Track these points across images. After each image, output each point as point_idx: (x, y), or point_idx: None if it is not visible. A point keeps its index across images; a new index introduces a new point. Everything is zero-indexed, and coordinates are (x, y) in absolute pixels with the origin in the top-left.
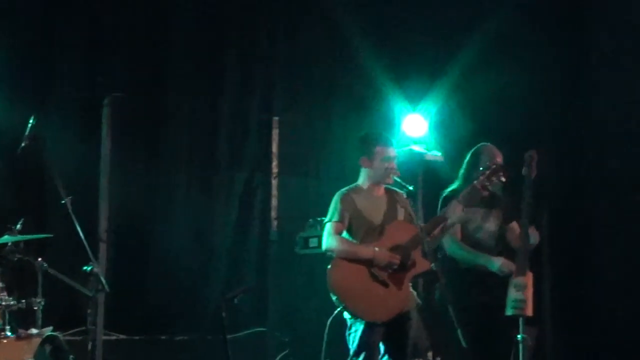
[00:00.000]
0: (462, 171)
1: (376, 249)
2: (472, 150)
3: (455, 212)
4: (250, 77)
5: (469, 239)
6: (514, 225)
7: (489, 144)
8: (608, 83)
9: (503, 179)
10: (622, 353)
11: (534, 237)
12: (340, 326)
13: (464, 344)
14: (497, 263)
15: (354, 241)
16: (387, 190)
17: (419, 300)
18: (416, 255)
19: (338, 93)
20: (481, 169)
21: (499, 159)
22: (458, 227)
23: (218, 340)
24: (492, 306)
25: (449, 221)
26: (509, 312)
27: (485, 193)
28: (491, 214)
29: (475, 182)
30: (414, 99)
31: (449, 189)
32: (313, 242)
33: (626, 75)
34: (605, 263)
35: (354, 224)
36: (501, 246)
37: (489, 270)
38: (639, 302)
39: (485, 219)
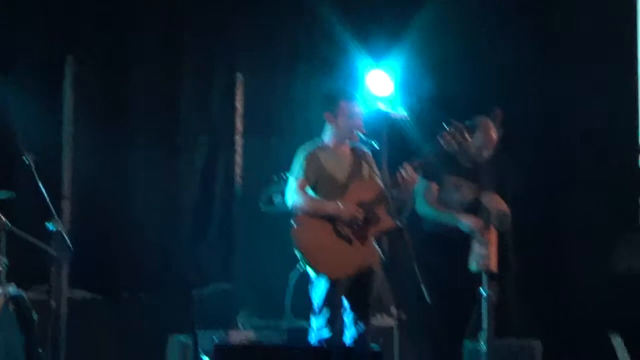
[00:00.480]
0: None
1: (340, 204)
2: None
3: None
4: (213, 37)
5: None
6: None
7: (485, 118)
8: (570, 43)
9: (469, 139)
10: (582, 311)
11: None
12: (305, 281)
13: (427, 299)
14: (468, 222)
15: (318, 197)
16: (352, 148)
17: (383, 257)
18: (380, 212)
19: (302, 51)
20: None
21: (493, 134)
22: (434, 191)
23: (182, 297)
24: (455, 261)
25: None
26: (472, 267)
27: (468, 164)
28: (469, 186)
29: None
30: (378, 57)
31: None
32: (277, 199)
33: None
34: (568, 221)
35: (318, 180)
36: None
37: (454, 228)
38: (599, 260)
39: (460, 190)
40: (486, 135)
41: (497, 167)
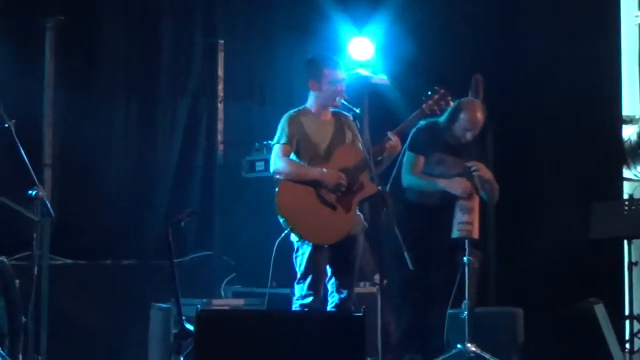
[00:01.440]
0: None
1: (324, 169)
2: (454, 104)
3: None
4: (193, 1)
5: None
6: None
7: (471, 99)
8: (552, 9)
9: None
10: (563, 278)
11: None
12: (288, 249)
13: (410, 266)
14: (457, 185)
15: (302, 163)
16: (335, 114)
17: (365, 224)
18: (363, 178)
19: (282, 16)
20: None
21: (479, 115)
22: (420, 162)
23: (164, 264)
24: (438, 228)
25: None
26: (455, 234)
27: (453, 141)
28: (452, 162)
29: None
30: (360, 22)
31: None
32: (259, 166)
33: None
34: (550, 188)
35: (302, 146)
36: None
37: (438, 199)
38: (578, 227)
39: (443, 164)
40: (472, 117)
41: (478, 142)
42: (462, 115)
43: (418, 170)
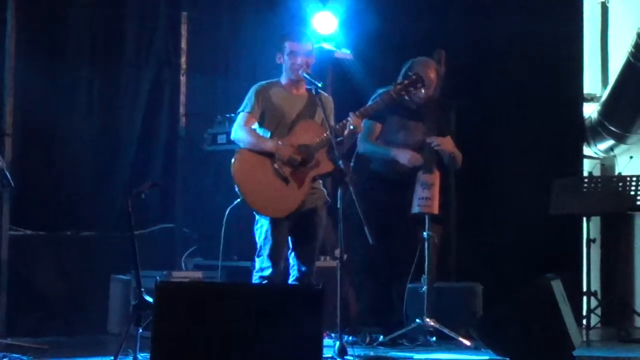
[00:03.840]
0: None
1: (279, 142)
2: (407, 64)
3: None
4: None
5: (386, 140)
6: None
7: (423, 58)
8: None
9: (422, 91)
10: (521, 252)
11: (458, 159)
12: (248, 222)
13: (370, 241)
14: (406, 155)
15: (265, 134)
16: (311, 92)
17: (328, 199)
18: (321, 156)
19: None
20: (400, 78)
21: (432, 74)
22: (377, 129)
23: (125, 236)
24: (399, 204)
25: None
26: (415, 209)
27: (412, 105)
28: (414, 127)
29: (390, 90)
30: None
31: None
32: (221, 139)
33: None
34: (509, 164)
35: (267, 117)
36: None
37: (397, 169)
38: (537, 202)
39: (404, 130)
40: (424, 74)
41: (441, 108)
42: (408, 64)
43: (374, 137)
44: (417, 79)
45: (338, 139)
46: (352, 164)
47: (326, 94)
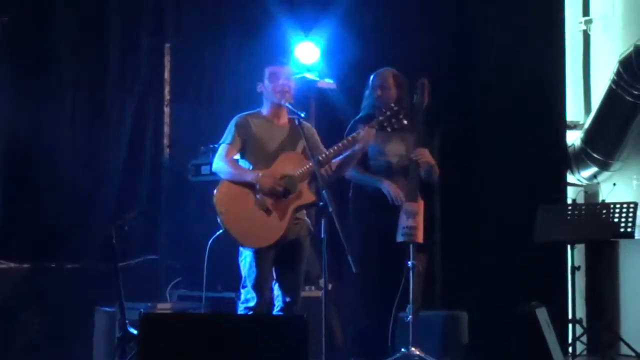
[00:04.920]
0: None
1: (260, 173)
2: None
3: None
4: (139, 1)
5: (371, 163)
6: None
7: (380, 71)
8: (491, 18)
9: (405, 122)
10: (503, 281)
11: (435, 171)
12: (233, 252)
13: (354, 269)
14: (387, 187)
15: (246, 165)
16: (293, 122)
17: (312, 229)
18: (303, 187)
19: (231, 19)
20: (383, 110)
21: (383, 71)
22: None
23: (109, 267)
24: (383, 232)
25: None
26: (399, 238)
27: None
28: (397, 139)
29: (374, 123)
30: (306, 25)
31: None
32: (205, 170)
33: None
34: (489, 189)
35: (248, 148)
36: (406, 172)
37: (382, 196)
38: (521, 230)
39: (389, 143)
40: (376, 73)
41: (420, 119)
42: (370, 78)
43: (357, 162)
44: (399, 110)
45: (346, 155)
46: (350, 191)
47: (308, 124)
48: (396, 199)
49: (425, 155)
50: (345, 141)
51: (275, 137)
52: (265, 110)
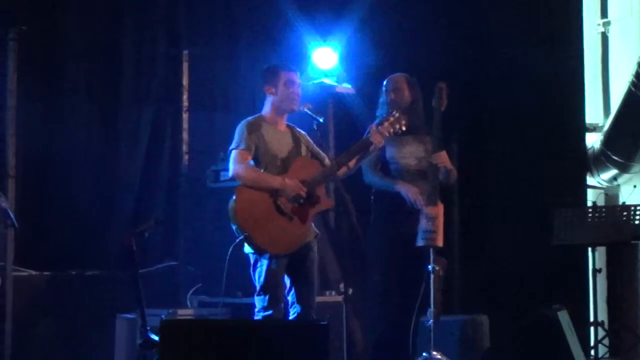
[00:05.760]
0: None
1: (286, 179)
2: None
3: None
4: (155, 10)
5: (390, 167)
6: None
7: (392, 76)
8: (509, 21)
9: (404, 128)
10: (524, 284)
11: (453, 174)
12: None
13: (374, 275)
14: (405, 191)
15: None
16: (290, 127)
17: (317, 231)
18: (321, 192)
19: (247, 26)
20: (384, 115)
21: (395, 75)
22: (377, 158)
23: (129, 274)
24: (403, 237)
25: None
26: (419, 243)
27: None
28: (414, 142)
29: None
30: (324, 30)
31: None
32: (224, 175)
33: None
34: (508, 193)
35: (260, 154)
36: (424, 175)
37: (402, 201)
38: (540, 233)
39: (406, 147)
40: (389, 78)
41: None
42: (384, 83)
43: (375, 166)
44: (400, 116)
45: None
46: (372, 197)
47: (301, 131)
48: (415, 203)
49: (443, 158)
50: (357, 144)
51: (282, 142)
52: (269, 114)
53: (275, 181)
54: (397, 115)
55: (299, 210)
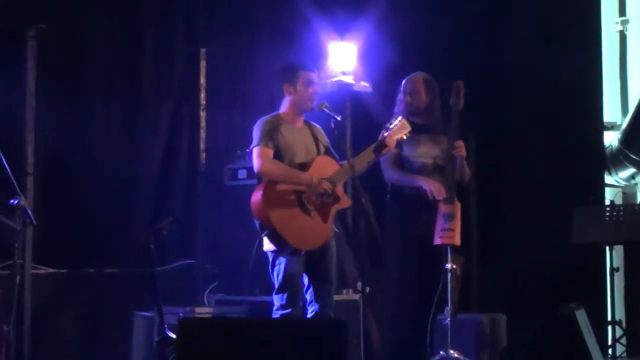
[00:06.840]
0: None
1: (313, 176)
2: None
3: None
4: (174, 8)
5: (406, 166)
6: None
7: (410, 76)
8: (527, 19)
9: (406, 135)
10: (541, 283)
11: (466, 169)
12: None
13: (392, 273)
14: (425, 183)
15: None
16: (307, 123)
17: (335, 229)
18: (340, 191)
19: (265, 24)
20: (388, 125)
21: (420, 85)
22: (394, 155)
23: (147, 272)
24: (421, 236)
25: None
26: (437, 241)
27: (420, 121)
28: (430, 141)
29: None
30: (342, 29)
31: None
32: (241, 174)
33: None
34: (526, 192)
35: (280, 152)
36: (441, 174)
37: (419, 199)
38: (559, 231)
39: (422, 146)
40: (406, 80)
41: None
42: (402, 83)
43: (394, 164)
44: (404, 124)
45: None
46: (388, 195)
47: (317, 126)
48: (437, 194)
49: (462, 147)
50: (373, 147)
51: (301, 140)
52: (287, 112)
53: (305, 178)
54: (402, 121)
55: (321, 207)
